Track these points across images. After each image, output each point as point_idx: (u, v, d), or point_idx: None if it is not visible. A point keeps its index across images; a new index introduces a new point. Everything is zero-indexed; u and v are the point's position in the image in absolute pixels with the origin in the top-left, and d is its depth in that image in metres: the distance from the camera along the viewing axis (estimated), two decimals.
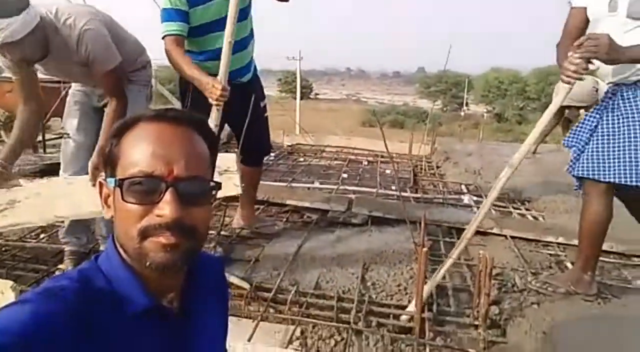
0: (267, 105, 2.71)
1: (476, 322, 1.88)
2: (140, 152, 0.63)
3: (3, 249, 2.58)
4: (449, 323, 1.93)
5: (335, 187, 3.87)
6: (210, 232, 2.76)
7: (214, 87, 1.96)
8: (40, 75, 2.15)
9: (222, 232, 2.82)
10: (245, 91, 2.37)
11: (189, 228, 0.64)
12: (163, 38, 2.16)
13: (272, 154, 5.24)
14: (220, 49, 2.17)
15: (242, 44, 2.36)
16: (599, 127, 1.98)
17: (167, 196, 0.62)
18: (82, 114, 2.25)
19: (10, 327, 0.52)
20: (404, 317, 1.92)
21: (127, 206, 0.63)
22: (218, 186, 0.70)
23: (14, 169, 2.13)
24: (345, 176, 4.41)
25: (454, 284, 2.24)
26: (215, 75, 2.30)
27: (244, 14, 2.31)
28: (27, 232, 2.72)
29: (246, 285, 2.17)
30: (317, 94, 52.03)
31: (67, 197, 2.00)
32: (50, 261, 2.41)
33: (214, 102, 1.97)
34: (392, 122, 29.66)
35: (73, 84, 2.33)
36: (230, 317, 1.98)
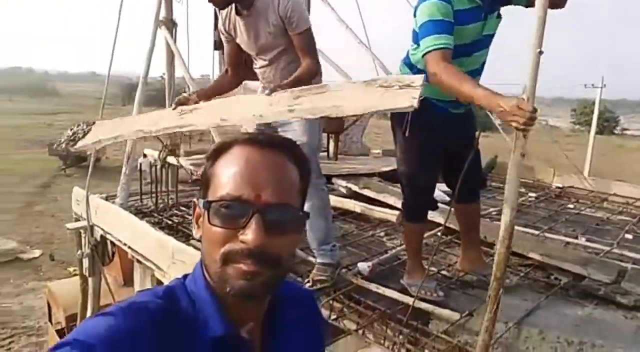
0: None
1: None
2: (229, 176, 0.64)
3: None
4: None
5: (607, 248, 3.11)
6: (430, 269, 2.62)
7: (521, 109, 1.54)
8: None
9: (443, 272, 2.65)
10: (463, 121, 2.17)
11: (272, 257, 0.63)
12: (426, 54, 1.93)
13: (532, 195, 4.67)
14: (468, 73, 2.01)
15: (478, 71, 2.19)
16: None
17: (253, 222, 0.62)
18: None
19: (90, 340, 0.56)
20: None
21: (212, 229, 0.64)
22: (307, 215, 0.70)
23: None
24: (629, 237, 3.49)
25: None
26: (446, 102, 2.18)
27: (490, 40, 2.16)
28: None
29: (456, 315, 2.07)
30: (624, 129, 43.78)
31: (237, 109, 2.20)
32: None
33: (520, 128, 1.57)
34: None
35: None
36: None
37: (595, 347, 1.87)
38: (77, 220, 3.60)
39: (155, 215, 3.34)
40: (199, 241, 0.70)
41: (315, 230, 2.42)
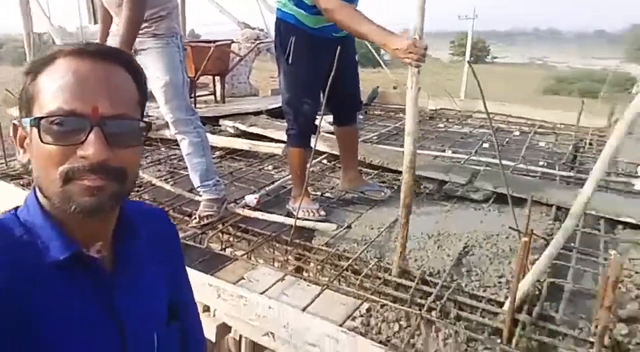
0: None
1: (591, 339, 1.47)
2: (59, 90, 0.59)
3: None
4: (554, 334, 1.55)
5: (467, 157, 3.46)
6: (314, 193, 2.74)
7: (415, 47, 1.67)
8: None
9: (327, 194, 2.78)
10: (343, 43, 2.22)
11: (117, 170, 0.61)
12: None
13: None
14: None
15: None
16: None
17: (92, 136, 0.58)
18: None
19: None
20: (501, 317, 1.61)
21: (46, 148, 0.59)
22: (148, 126, 0.66)
23: None
24: (486, 146, 3.91)
25: (579, 287, 1.79)
26: (327, 28, 2.20)
27: None
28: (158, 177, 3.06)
29: (333, 226, 2.24)
30: (494, 58, 47.30)
31: None
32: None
33: (413, 64, 1.68)
34: (583, 90, 25.49)
35: None
36: (300, 281, 1.94)
37: (450, 236, 2.13)
38: None
39: (25, 176, 3.05)
40: (24, 166, 0.65)
41: (195, 167, 2.38)
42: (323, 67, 2.26)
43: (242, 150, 3.59)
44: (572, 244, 2.08)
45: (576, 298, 1.72)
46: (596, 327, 1.45)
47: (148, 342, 0.73)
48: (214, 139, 3.55)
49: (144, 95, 0.69)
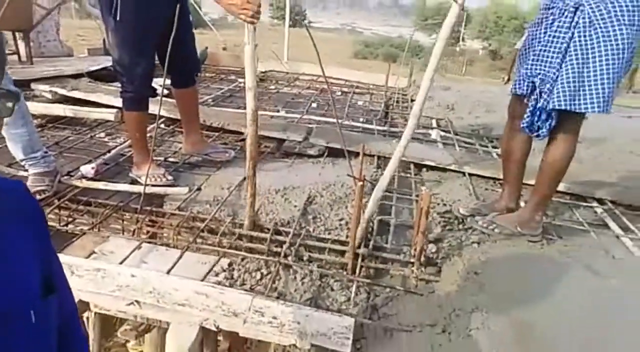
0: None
1: (412, 260, 1.79)
2: None
3: None
4: (386, 260, 1.85)
5: (299, 116, 3.66)
6: (157, 158, 2.60)
7: (249, 3, 1.67)
8: None
9: (170, 159, 2.68)
10: (172, 3, 2.10)
11: None
12: None
13: (241, 81, 4.96)
14: None
15: None
16: (573, 47, 1.73)
17: None
18: None
19: None
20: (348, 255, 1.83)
21: None
22: (14, 95, 0.56)
23: None
24: (314, 105, 4.18)
25: (400, 221, 2.14)
26: None
27: None
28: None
29: (185, 190, 2.20)
30: (310, 22, 49.20)
31: None
32: None
33: (248, 20, 1.67)
34: (385, 55, 28.52)
35: None
36: (157, 247, 1.87)
37: (295, 189, 2.28)
38: None
39: None
40: None
41: (14, 138, 2.04)
42: (154, 24, 2.12)
43: (65, 117, 3.15)
44: (392, 187, 2.44)
45: (399, 230, 2.05)
46: (415, 250, 1.78)
47: (25, 319, 0.67)
48: (30, 106, 3.03)
49: (3, 57, 0.59)
